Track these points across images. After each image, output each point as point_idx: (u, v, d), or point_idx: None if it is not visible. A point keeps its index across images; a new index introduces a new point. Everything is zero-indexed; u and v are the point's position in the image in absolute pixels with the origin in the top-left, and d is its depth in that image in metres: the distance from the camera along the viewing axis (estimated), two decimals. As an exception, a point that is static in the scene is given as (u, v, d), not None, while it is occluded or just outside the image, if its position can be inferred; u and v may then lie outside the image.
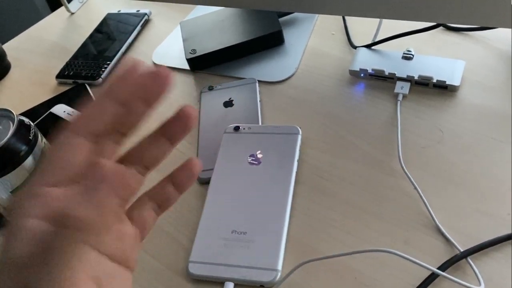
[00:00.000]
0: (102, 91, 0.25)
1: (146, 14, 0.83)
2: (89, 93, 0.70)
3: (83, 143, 0.25)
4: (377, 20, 0.63)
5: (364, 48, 0.61)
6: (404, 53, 0.58)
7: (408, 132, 0.52)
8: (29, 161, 0.44)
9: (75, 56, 0.78)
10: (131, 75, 0.25)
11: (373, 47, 0.61)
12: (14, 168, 0.43)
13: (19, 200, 0.24)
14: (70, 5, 0.91)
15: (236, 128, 0.55)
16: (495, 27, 0.44)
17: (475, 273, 0.39)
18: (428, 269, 0.38)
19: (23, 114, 0.69)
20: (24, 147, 0.43)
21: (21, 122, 0.44)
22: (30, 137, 0.44)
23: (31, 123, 0.46)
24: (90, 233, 0.22)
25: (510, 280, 0.39)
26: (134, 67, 0.25)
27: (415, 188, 0.46)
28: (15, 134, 0.43)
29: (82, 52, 0.79)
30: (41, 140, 0.46)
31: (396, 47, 0.60)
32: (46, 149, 0.25)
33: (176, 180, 0.29)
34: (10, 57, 0.83)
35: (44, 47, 0.85)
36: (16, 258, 0.22)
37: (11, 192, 0.44)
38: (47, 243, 0.22)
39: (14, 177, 0.43)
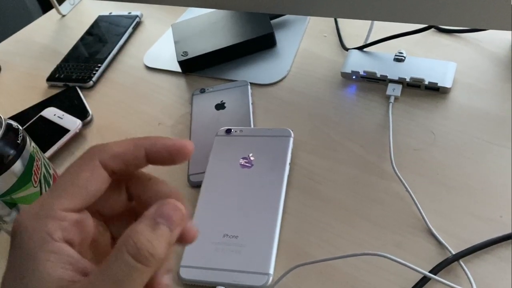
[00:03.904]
0: (144, 141, 0.26)
1: (137, 16, 0.83)
2: (80, 96, 0.69)
3: (102, 171, 0.25)
4: (369, 22, 0.63)
5: (356, 50, 0.61)
6: (395, 55, 0.58)
7: (400, 134, 0.52)
8: (17, 165, 0.43)
9: (66, 59, 0.78)
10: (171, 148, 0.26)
11: (365, 49, 0.61)
12: (1, 173, 0.42)
13: (38, 218, 0.23)
14: (61, 7, 0.90)
15: (228, 131, 0.55)
16: (494, 29, 0.44)
17: (467, 275, 0.39)
18: (419, 272, 0.38)
19: (13, 117, 0.68)
20: (12, 151, 0.43)
21: (9, 126, 0.44)
22: (18, 141, 0.44)
23: (20, 127, 0.45)
24: None
25: (501, 283, 0.39)
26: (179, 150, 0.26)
27: (407, 190, 0.46)
28: (2, 138, 0.42)
29: (73, 54, 0.78)
30: (30, 144, 0.46)
31: (388, 49, 0.60)
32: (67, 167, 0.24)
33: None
34: (0, 60, 0.82)
35: (34, 50, 0.84)
36: (56, 281, 0.22)
37: (1, 197, 0.43)
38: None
39: (2, 182, 0.43)
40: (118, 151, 0.25)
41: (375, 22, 0.63)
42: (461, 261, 0.40)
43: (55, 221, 0.23)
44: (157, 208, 0.24)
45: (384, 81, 0.57)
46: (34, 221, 0.23)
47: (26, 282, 0.22)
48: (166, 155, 0.26)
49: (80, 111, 0.66)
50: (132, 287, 0.22)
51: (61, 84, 0.73)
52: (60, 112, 0.65)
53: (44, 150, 0.59)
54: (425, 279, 0.39)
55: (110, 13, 0.86)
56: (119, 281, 0.22)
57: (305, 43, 0.68)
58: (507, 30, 0.43)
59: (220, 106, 0.61)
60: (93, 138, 0.63)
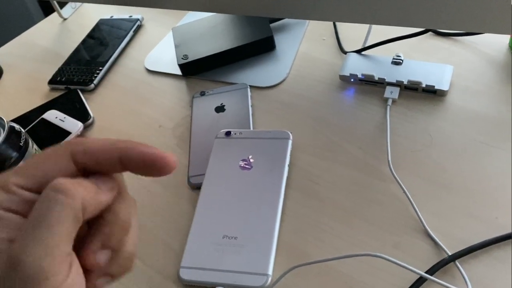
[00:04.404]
0: (122, 143, 0.25)
1: (138, 19, 0.83)
2: (82, 99, 0.70)
3: (69, 163, 0.25)
4: (367, 25, 0.64)
5: (354, 54, 0.62)
6: (393, 58, 0.59)
7: (398, 136, 0.52)
8: (19, 167, 0.44)
9: (68, 62, 0.78)
10: (150, 156, 0.24)
11: (363, 53, 0.62)
12: (4, 175, 0.43)
13: None
14: (62, 11, 0.91)
15: (228, 133, 0.55)
16: (493, 33, 0.44)
17: (463, 276, 0.39)
18: (416, 273, 0.39)
19: (15, 120, 0.69)
20: (14, 154, 0.43)
21: (11, 129, 0.44)
22: (20, 144, 0.44)
23: (22, 130, 0.46)
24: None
25: (497, 283, 0.39)
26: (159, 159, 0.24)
27: (404, 192, 0.46)
28: (5, 140, 0.43)
29: (75, 57, 0.79)
30: (32, 147, 0.46)
31: (386, 52, 0.60)
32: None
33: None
34: (2, 63, 0.83)
35: (36, 53, 0.85)
36: None
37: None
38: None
39: (5, 184, 0.44)
40: (91, 146, 0.25)
41: (373, 26, 0.64)
42: (457, 262, 0.40)
43: (4, 192, 0.23)
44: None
45: (382, 84, 0.57)
46: None
47: None
48: (140, 164, 0.24)
49: (81, 114, 0.67)
50: (53, 223, 0.21)
51: (62, 87, 0.74)
52: (61, 115, 0.66)
53: (46, 152, 0.60)
54: (421, 280, 0.40)
55: (111, 16, 0.87)
56: (39, 218, 0.21)
57: (304, 46, 0.69)
58: (506, 34, 0.44)
59: (220, 109, 0.61)
60: (94, 140, 0.64)
